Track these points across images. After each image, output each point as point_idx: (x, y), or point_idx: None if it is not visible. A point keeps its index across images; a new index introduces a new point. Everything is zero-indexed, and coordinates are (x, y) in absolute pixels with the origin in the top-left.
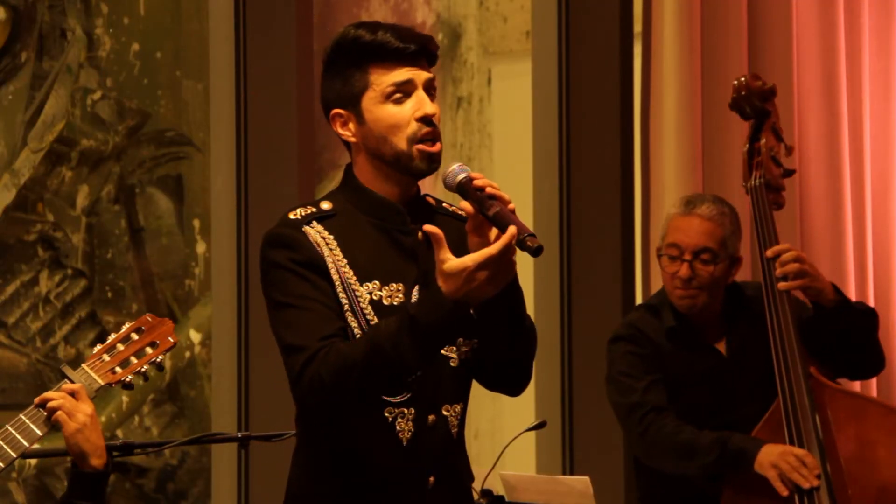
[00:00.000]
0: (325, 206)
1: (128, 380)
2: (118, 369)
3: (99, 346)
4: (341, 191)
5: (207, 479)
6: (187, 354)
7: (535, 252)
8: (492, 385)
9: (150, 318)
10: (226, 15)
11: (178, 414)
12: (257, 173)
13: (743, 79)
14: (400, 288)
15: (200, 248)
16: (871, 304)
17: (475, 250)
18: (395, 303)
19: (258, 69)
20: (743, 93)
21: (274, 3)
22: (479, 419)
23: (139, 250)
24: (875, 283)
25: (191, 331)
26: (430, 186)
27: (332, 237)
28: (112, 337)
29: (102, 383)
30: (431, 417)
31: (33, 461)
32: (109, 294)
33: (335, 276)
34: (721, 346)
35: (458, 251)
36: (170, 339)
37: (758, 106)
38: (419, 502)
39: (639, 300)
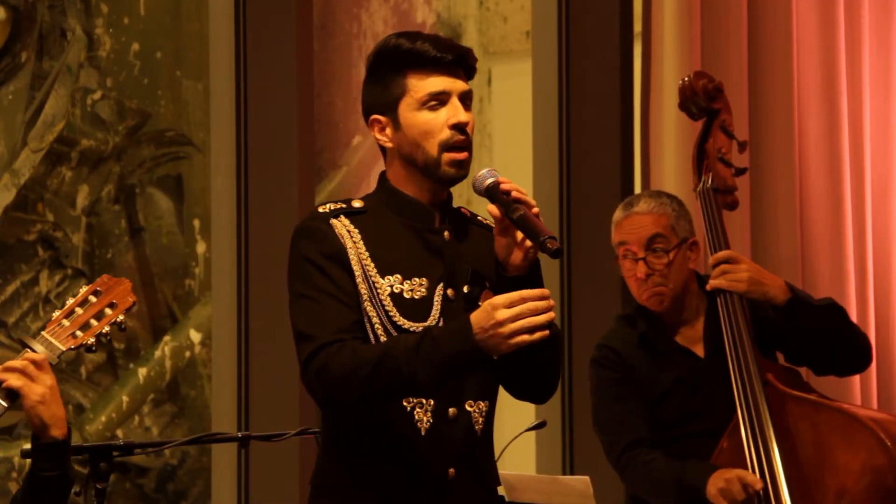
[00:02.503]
0: (357, 203)
1: (89, 342)
2: (79, 333)
3: (57, 312)
4: (375, 193)
5: (207, 479)
6: (187, 354)
7: (554, 254)
8: (519, 393)
9: (106, 279)
10: (226, 15)
11: (178, 414)
12: (257, 173)
13: (687, 79)
14: (423, 283)
15: (200, 248)
16: (871, 304)
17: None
18: (416, 297)
19: (258, 69)
20: (688, 93)
21: (274, 3)
22: None
23: (139, 250)
24: (875, 283)
25: (191, 331)
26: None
27: (357, 231)
28: (70, 301)
29: (64, 348)
30: (452, 411)
31: None
32: None
33: (356, 268)
34: (698, 348)
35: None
36: (129, 298)
37: (703, 105)
38: (440, 493)
39: None
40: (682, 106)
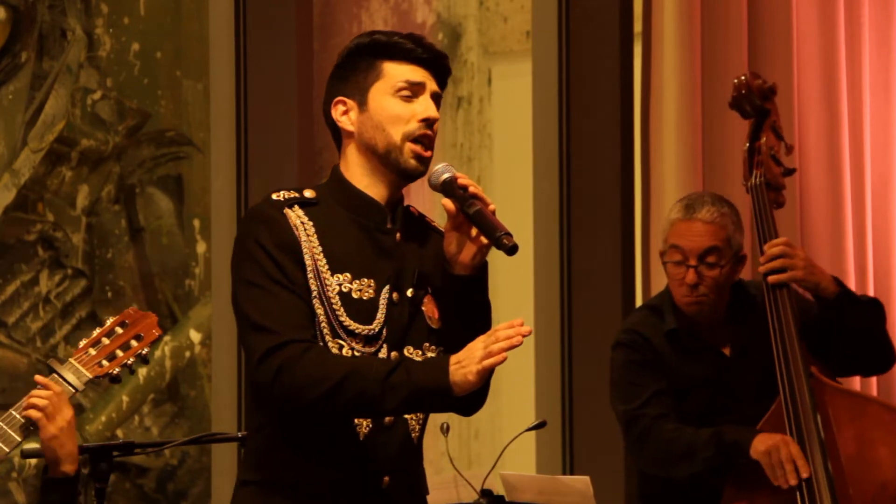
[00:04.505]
0: (309, 194)
1: (115, 372)
2: (105, 362)
3: (84, 341)
4: (327, 185)
5: (207, 479)
6: (187, 354)
7: (510, 251)
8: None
9: (133, 312)
10: (226, 15)
11: (178, 414)
12: (257, 173)
13: (743, 77)
14: (371, 284)
15: (200, 248)
16: None
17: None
18: (364, 297)
19: (258, 69)
20: (743, 91)
21: (274, 3)
22: (479, 419)
23: (139, 250)
24: (875, 283)
25: (191, 331)
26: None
27: (310, 223)
28: (97, 331)
29: (91, 376)
30: (388, 418)
31: (33, 461)
32: (109, 294)
33: (308, 262)
34: (725, 348)
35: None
36: (154, 331)
37: (758, 105)
38: (373, 500)
39: (639, 300)
40: (735, 103)
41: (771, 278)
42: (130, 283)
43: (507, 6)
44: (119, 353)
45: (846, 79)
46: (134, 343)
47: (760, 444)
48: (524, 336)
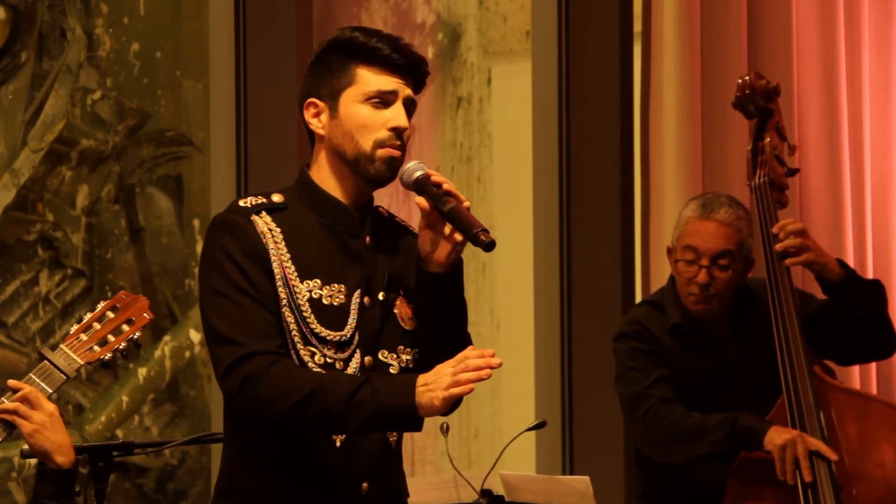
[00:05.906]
0: (276, 198)
1: (107, 358)
2: (96, 348)
3: (76, 326)
4: (295, 188)
5: (207, 479)
6: (187, 354)
7: (488, 247)
8: None
9: (124, 296)
10: (226, 15)
11: (178, 414)
12: (257, 173)
13: (747, 77)
14: (342, 289)
15: (200, 247)
16: None
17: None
18: (335, 303)
19: (258, 69)
20: (747, 91)
21: (274, 3)
22: (478, 419)
23: (139, 250)
24: None
25: (191, 331)
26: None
27: (278, 230)
28: (88, 316)
29: (82, 362)
30: None
31: (33, 461)
32: (109, 294)
33: (277, 270)
34: (727, 344)
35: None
36: (145, 315)
37: (761, 105)
38: None
39: (639, 300)
40: (738, 103)
41: (788, 261)
42: (130, 282)
43: (507, 6)
44: (111, 337)
45: (846, 79)
46: (125, 327)
47: (777, 437)
48: (493, 368)
